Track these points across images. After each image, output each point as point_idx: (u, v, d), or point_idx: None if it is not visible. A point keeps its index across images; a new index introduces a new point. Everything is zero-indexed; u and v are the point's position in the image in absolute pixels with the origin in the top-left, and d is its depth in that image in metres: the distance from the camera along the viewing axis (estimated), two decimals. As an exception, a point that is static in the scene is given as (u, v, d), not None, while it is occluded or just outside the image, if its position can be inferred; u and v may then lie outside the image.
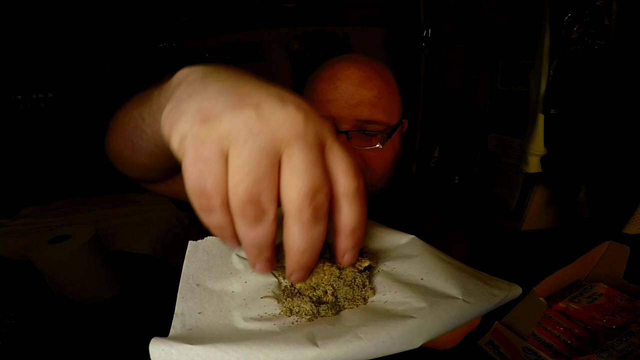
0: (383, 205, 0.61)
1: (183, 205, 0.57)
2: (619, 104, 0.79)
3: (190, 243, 0.33)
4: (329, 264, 0.29)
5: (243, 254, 0.33)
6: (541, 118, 0.93)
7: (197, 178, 0.19)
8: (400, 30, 2.34)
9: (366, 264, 0.30)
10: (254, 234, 0.20)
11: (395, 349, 0.22)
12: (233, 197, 0.19)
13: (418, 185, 0.65)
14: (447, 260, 0.32)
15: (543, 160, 0.99)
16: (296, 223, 0.19)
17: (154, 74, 2.72)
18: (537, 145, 0.96)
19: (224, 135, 0.18)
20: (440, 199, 0.63)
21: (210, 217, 0.20)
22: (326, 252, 0.30)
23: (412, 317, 0.24)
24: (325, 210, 0.20)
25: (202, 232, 0.61)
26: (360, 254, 0.32)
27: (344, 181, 0.20)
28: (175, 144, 0.20)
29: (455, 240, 0.59)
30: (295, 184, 0.19)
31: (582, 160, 0.90)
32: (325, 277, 0.28)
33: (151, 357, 0.21)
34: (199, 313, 0.26)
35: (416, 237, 0.35)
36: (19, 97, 2.09)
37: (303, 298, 0.27)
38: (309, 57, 2.67)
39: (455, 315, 0.25)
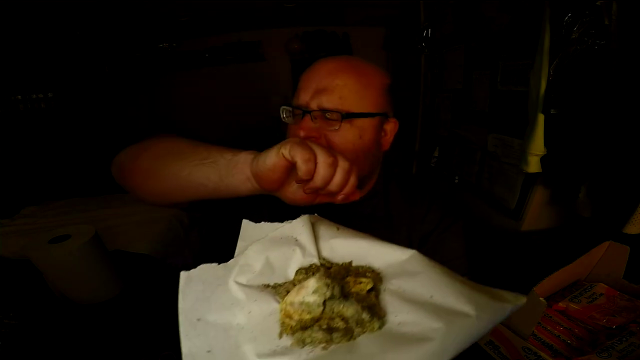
0: (381, 203, 0.61)
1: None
2: (619, 104, 0.79)
3: (182, 274, 0.31)
4: (334, 295, 0.28)
5: (241, 280, 0.32)
6: (541, 118, 0.93)
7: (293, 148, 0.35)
8: (400, 30, 2.34)
9: (369, 285, 0.29)
10: (326, 171, 0.35)
11: None
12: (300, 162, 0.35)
13: (417, 183, 0.66)
14: (452, 275, 0.31)
15: (543, 160, 0.99)
16: (323, 165, 0.35)
17: (153, 74, 2.71)
18: (537, 145, 0.96)
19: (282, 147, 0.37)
20: (438, 195, 0.64)
21: (309, 165, 0.34)
22: (329, 288, 0.28)
23: (430, 338, 0.23)
24: (335, 167, 0.37)
25: (201, 232, 0.62)
26: (363, 275, 0.32)
27: (342, 162, 0.37)
28: (270, 152, 0.36)
29: (453, 237, 0.60)
30: (322, 155, 0.36)
31: (582, 160, 0.90)
32: (333, 307, 0.27)
33: None
34: (208, 352, 0.25)
35: (417, 252, 0.34)
36: (19, 97, 2.09)
37: (313, 328, 0.26)
38: (309, 57, 2.67)
39: (472, 332, 0.24)
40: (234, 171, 0.39)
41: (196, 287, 0.31)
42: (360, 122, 0.53)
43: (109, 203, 1.82)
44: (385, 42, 2.63)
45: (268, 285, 0.32)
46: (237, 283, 0.31)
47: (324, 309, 0.27)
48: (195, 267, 0.33)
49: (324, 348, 0.25)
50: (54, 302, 1.11)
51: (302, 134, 0.52)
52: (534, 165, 0.99)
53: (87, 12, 1.65)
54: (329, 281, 0.27)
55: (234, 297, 0.30)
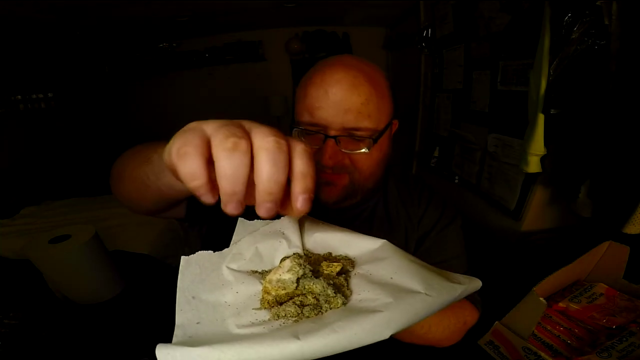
0: (381, 204, 0.61)
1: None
2: (618, 104, 0.79)
3: (183, 258, 0.35)
4: (306, 273, 0.32)
5: (232, 266, 0.36)
6: (541, 118, 0.93)
7: (183, 137, 0.24)
8: (400, 30, 2.34)
9: (338, 268, 0.34)
10: (230, 163, 0.23)
11: (367, 340, 0.26)
12: (215, 136, 0.24)
13: (415, 182, 0.65)
14: (414, 261, 0.35)
15: (543, 160, 0.99)
16: (264, 152, 0.24)
17: (153, 74, 2.71)
18: (537, 146, 0.96)
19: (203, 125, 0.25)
20: (436, 194, 0.63)
21: (187, 163, 0.23)
22: (301, 267, 0.32)
23: (380, 311, 0.27)
24: (288, 153, 0.25)
25: (201, 232, 0.61)
26: (336, 261, 0.36)
27: (295, 143, 0.26)
28: (170, 151, 0.25)
29: (451, 236, 0.59)
30: (261, 133, 0.24)
31: (582, 160, 0.90)
32: (304, 284, 0.31)
33: (158, 359, 0.23)
34: (198, 323, 0.28)
35: (387, 242, 0.38)
36: (19, 97, 2.08)
37: (287, 303, 0.30)
38: (309, 57, 2.67)
39: (419, 308, 0.28)
40: (164, 167, 0.32)
41: (193, 269, 0.34)
42: (383, 135, 0.51)
43: (109, 203, 1.82)
44: (385, 42, 2.63)
45: (256, 272, 0.36)
46: (229, 268, 0.35)
47: (297, 286, 0.31)
48: None
49: (295, 321, 0.29)
50: (54, 302, 1.11)
51: (330, 162, 0.48)
52: (534, 165, 0.99)
53: (87, 12, 1.65)
54: (301, 261, 0.32)
55: (225, 279, 0.34)
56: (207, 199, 0.24)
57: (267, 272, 0.36)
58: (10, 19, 1.59)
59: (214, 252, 0.37)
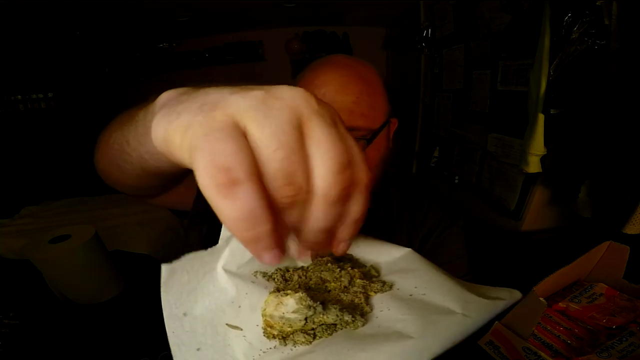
0: (381, 203, 0.61)
1: (181, 213, 0.57)
2: (619, 104, 0.79)
3: (164, 267, 0.28)
4: (316, 311, 0.27)
5: (231, 267, 0.29)
6: (541, 118, 0.93)
7: (211, 151, 0.15)
8: (400, 30, 2.34)
9: (374, 295, 0.29)
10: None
11: None
12: (271, 167, 0.15)
13: (415, 184, 0.65)
14: (445, 274, 0.31)
15: (543, 160, 0.99)
16: (322, 201, 0.17)
17: (153, 74, 2.71)
18: (537, 145, 0.96)
19: (238, 113, 0.16)
20: (437, 195, 0.63)
21: (236, 197, 0.15)
22: (311, 309, 0.26)
23: (411, 337, 0.23)
24: (350, 189, 0.18)
25: (202, 232, 0.61)
26: (370, 279, 0.30)
27: (361, 172, 0.19)
28: (177, 139, 0.17)
29: (453, 237, 0.59)
30: (324, 159, 0.16)
31: (582, 160, 0.90)
32: (314, 318, 0.26)
33: None
34: (198, 349, 0.24)
35: (412, 250, 0.33)
36: (19, 97, 2.08)
37: (295, 333, 0.26)
38: (309, 57, 2.67)
39: (456, 331, 0.24)
40: (150, 126, 0.23)
41: (180, 278, 0.28)
42: (380, 134, 0.50)
43: (109, 203, 1.82)
44: (385, 42, 2.62)
45: (258, 272, 0.30)
46: (227, 271, 0.29)
47: (305, 323, 0.26)
48: None
49: (307, 344, 0.25)
50: (54, 302, 1.11)
51: None
52: (534, 165, 0.99)
53: (87, 12, 1.65)
54: (309, 302, 0.26)
55: (222, 287, 0.28)
56: (271, 258, 0.17)
57: (274, 273, 0.30)
58: (10, 19, 1.59)
59: (206, 249, 0.31)
